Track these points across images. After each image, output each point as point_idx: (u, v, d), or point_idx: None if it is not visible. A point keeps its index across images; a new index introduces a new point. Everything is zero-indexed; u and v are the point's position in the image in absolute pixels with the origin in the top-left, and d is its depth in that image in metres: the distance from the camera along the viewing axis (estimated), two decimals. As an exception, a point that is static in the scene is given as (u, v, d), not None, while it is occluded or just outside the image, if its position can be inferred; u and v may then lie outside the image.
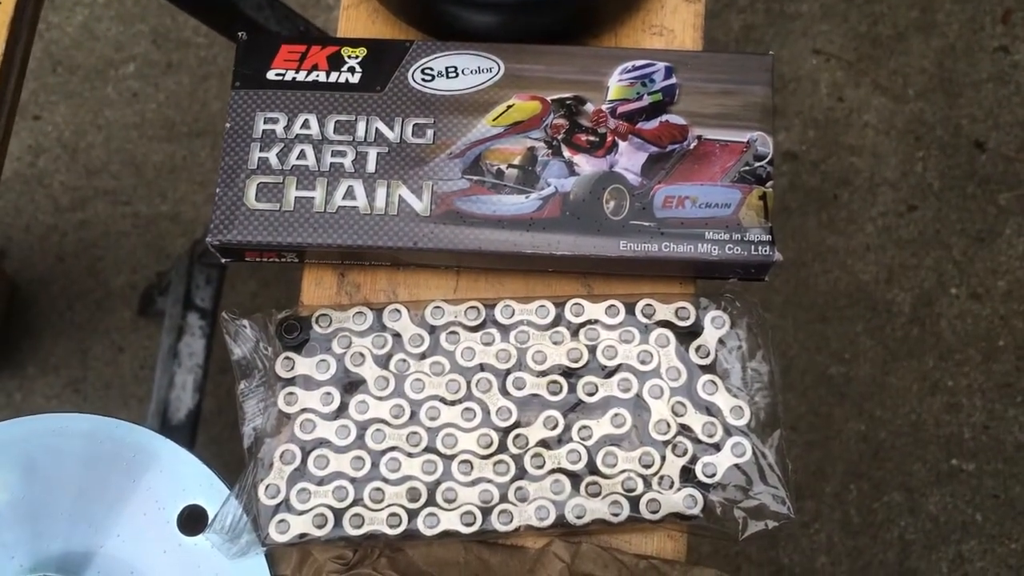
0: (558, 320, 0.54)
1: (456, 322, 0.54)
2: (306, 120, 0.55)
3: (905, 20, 1.62)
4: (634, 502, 0.51)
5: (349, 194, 0.53)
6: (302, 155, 0.54)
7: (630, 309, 0.54)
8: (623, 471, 0.51)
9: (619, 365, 0.53)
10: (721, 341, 0.53)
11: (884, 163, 1.56)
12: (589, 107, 0.55)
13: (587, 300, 0.54)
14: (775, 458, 0.52)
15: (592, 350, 0.53)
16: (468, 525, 0.51)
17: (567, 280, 0.56)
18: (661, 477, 0.51)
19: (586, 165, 0.54)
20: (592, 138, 0.55)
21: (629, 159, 0.54)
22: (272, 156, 0.54)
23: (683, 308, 0.54)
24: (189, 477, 0.54)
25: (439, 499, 0.51)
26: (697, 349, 0.53)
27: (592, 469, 0.52)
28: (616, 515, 0.51)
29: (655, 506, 0.51)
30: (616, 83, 0.55)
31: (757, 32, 1.63)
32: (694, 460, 0.52)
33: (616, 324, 0.53)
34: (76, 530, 0.53)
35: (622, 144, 0.55)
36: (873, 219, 1.54)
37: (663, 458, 0.52)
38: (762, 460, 0.52)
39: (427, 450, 0.52)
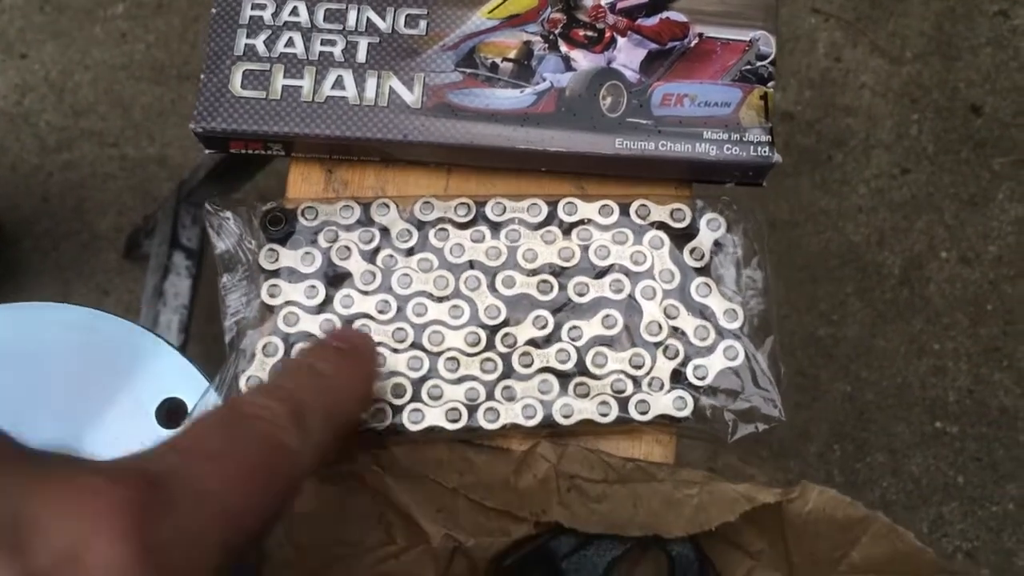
0: (550, 219, 0.53)
1: (446, 218, 0.52)
2: (295, 7, 0.53)
3: (905, -19, 1.61)
4: (623, 403, 0.50)
5: (338, 84, 0.52)
6: (290, 43, 0.53)
7: (624, 210, 0.53)
8: (612, 372, 0.51)
9: (611, 265, 0.52)
10: (717, 244, 0.52)
11: (879, 125, 1.55)
12: (588, 2, 0.54)
13: (580, 199, 0.53)
14: (767, 363, 0.51)
15: (584, 250, 0.52)
16: (453, 422, 0.50)
17: (560, 181, 0.55)
18: (652, 379, 0.50)
19: (583, 61, 0.53)
20: (590, 33, 0.53)
21: (628, 56, 0.53)
22: (259, 43, 0.53)
23: (679, 210, 0.53)
24: (170, 371, 0.53)
25: (424, 395, 0.50)
26: (691, 251, 0.52)
27: (581, 369, 0.51)
28: (604, 415, 0.50)
29: (644, 407, 0.50)
30: (616, -23, 0.54)
31: (756, -11, 1.62)
32: (685, 362, 0.51)
33: (610, 224, 0.52)
34: (59, 420, 0.52)
35: (621, 40, 0.53)
36: (866, 181, 1.54)
37: (653, 359, 0.51)
38: (754, 364, 0.51)
39: (413, 346, 0.51)
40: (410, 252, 0.52)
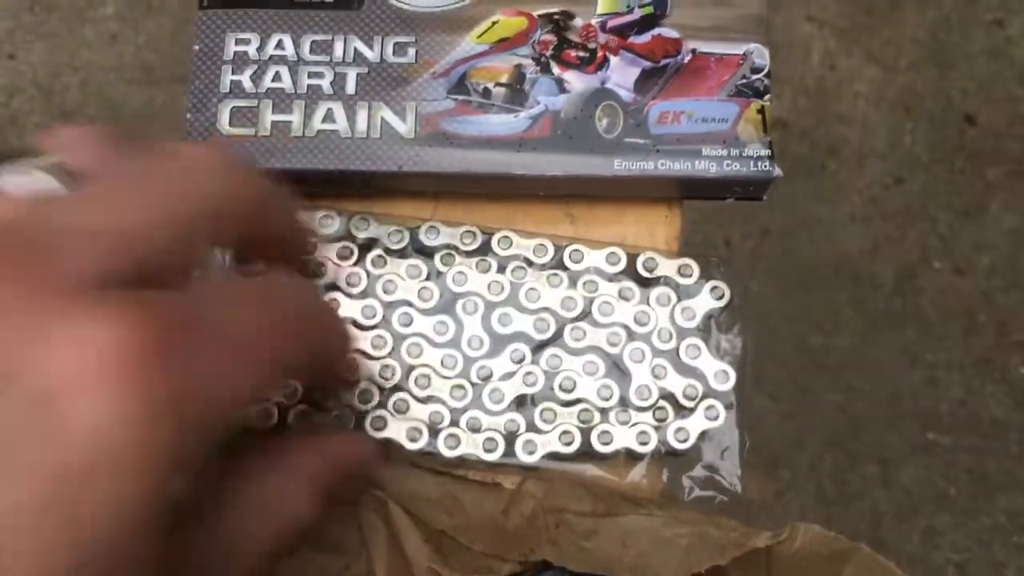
0: (557, 260, 0.52)
1: (452, 245, 0.52)
2: (280, 40, 0.52)
3: (901, -10, 1.61)
4: (587, 433, 0.50)
5: (329, 117, 0.51)
6: (277, 77, 0.51)
7: (631, 259, 0.52)
8: (580, 400, 0.50)
9: (613, 322, 0.51)
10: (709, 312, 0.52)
11: (873, 134, 1.55)
12: (578, 22, 0.53)
13: (586, 246, 0.52)
14: (736, 432, 0.51)
15: (589, 303, 0.51)
16: (413, 441, 0.49)
17: (550, 205, 0.54)
18: (618, 411, 0.50)
19: (577, 82, 0.52)
20: (582, 54, 0.52)
21: (621, 75, 0.52)
22: (245, 79, 0.51)
23: (687, 265, 0.52)
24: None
25: (390, 407, 0.50)
26: (683, 310, 0.51)
27: (548, 395, 0.50)
28: (568, 444, 0.49)
29: (607, 438, 0.49)
30: (605, -5, 0.53)
31: (751, -4, 1.61)
32: (666, 424, 0.51)
33: (616, 273, 0.51)
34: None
35: (613, 59, 0.52)
36: (860, 190, 1.53)
37: (624, 394, 0.50)
38: (721, 432, 0.50)
39: (390, 355, 0.50)
40: (402, 255, 0.52)
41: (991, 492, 1.44)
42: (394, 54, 0.52)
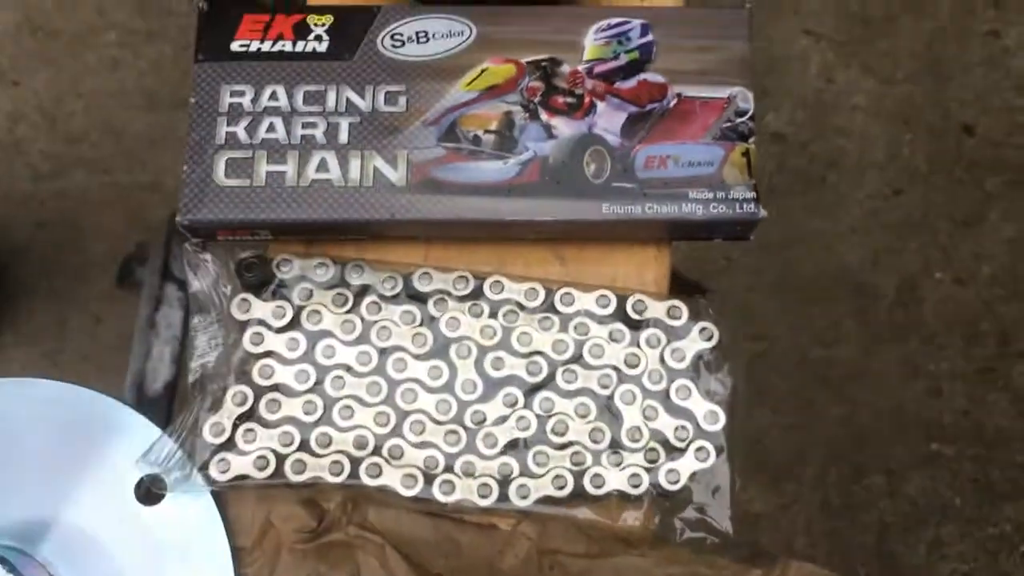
0: (547, 304, 0.53)
1: (444, 290, 0.53)
2: (274, 92, 0.53)
3: (896, 1, 1.61)
4: (579, 476, 0.50)
5: (322, 166, 0.52)
6: (271, 128, 0.53)
7: (621, 302, 0.53)
8: (572, 442, 0.51)
9: (604, 364, 0.52)
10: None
11: (872, 146, 1.55)
12: (565, 68, 0.54)
13: (577, 289, 0.53)
14: (726, 473, 0.52)
15: (580, 345, 0.52)
16: (408, 487, 0.50)
17: (540, 248, 0.55)
18: (609, 454, 0.51)
19: (564, 128, 0.53)
20: (569, 100, 0.54)
21: (608, 120, 0.53)
22: (240, 130, 0.53)
23: (675, 307, 0.53)
24: (146, 445, 0.53)
25: (385, 453, 0.50)
26: (673, 352, 0.52)
27: (541, 439, 0.51)
28: (561, 488, 0.50)
29: (599, 481, 0.50)
30: (592, 43, 0.54)
31: (748, 11, 1.62)
32: (657, 465, 0.51)
33: (606, 316, 0.52)
34: (32, 498, 0.52)
35: (600, 105, 0.53)
36: (860, 202, 1.54)
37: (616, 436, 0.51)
38: (711, 474, 0.51)
39: (385, 402, 0.51)
40: (395, 299, 0.53)
41: (996, 501, 1.44)
42: (386, 103, 0.53)
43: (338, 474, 0.50)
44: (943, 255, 1.52)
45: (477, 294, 0.53)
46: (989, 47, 1.59)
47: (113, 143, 1.55)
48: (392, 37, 0.54)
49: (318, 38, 0.54)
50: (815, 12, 1.61)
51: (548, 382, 0.52)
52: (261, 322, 0.52)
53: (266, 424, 0.51)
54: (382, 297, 0.53)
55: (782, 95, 1.57)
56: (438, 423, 0.51)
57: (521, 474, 0.51)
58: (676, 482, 0.50)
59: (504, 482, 0.51)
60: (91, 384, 0.55)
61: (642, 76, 0.54)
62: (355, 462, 0.51)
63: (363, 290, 0.53)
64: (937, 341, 1.49)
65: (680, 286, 0.56)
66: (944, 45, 1.58)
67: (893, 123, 1.56)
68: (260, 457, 0.50)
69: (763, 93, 1.58)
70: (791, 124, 1.57)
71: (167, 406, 1.25)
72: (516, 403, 0.51)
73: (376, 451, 0.51)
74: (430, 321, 0.53)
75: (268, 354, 0.51)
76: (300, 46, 0.54)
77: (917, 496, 1.45)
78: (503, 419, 0.51)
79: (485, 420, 0.51)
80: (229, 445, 0.50)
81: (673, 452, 0.51)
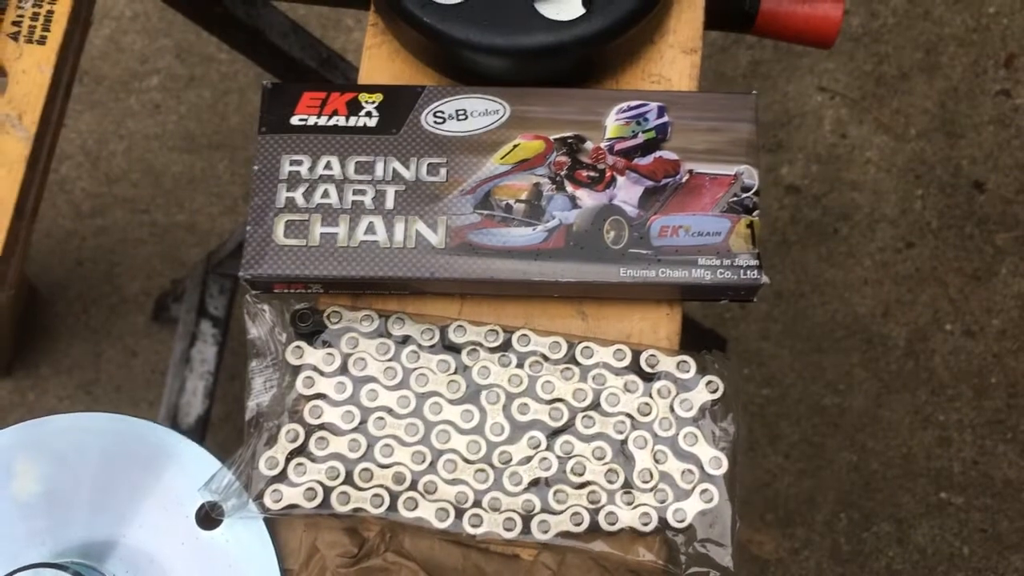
0: (569, 356, 0.58)
1: (477, 342, 0.58)
2: (328, 162, 0.59)
3: (910, 61, 1.66)
4: (594, 513, 0.55)
5: (370, 229, 0.58)
6: (326, 194, 0.59)
7: (636, 355, 0.58)
8: (589, 482, 0.56)
9: (619, 411, 0.57)
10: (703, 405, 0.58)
11: (884, 200, 1.60)
12: (589, 145, 0.60)
13: (596, 343, 0.58)
14: (728, 515, 0.56)
15: (597, 394, 0.57)
16: (441, 520, 0.55)
17: (563, 304, 0.60)
18: (623, 493, 0.56)
19: (587, 199, 0.59)
20: (592, 174, 0.59)
21: (627, 192, 0.59)
22: (298, 195, 0.59)
23: (684, 362, 0.58)
24: (207, 475, 0.58)
25: (421, 488, 0.55)
26: (682, 402, 0.57)
27: (561, 478, 0.56)
28: (578, 524, 0.55)
29: (612, 519, 0.55)
30: (613, 122, 0.60)
31: (764, 68, 1.68)
32: (666, 505, 0.56)
33: (622, 368, 0.57)
34: (98, 520, 0.56)
35: (620, 179, 0.59)
36: (871, 254, 1.58)
37: (629, 478, 0.56)
38: (715, 515, 0.56)
39: (421, 442, 0.56)
40: (432, 350, 0.58)
41: (1004, 552, 1.46)
42: (428, 174, 0.59)
43: (378, 506, 0.55)
44: (953, 308, 1.55)
45: (506, 346, 0.58)
46: (1000, 106, 1.63)
47: (152, 183, 1.61)
48: (435, 114, 0.60)
49: (368, 114, 0.60)
50: (830, 70, 1.66)
51: (568, 427, 0.57)
52: (312, 367, 0.57)
53: (315, 459, 0.56)
54: (421, 347, 0.58)
55: (796, 149, 1.62)
56: (469, 462, 0.56)
57: (543, 510, 0.55)
58: (683, 520, 0.55)
59: (527, 517, 0.55)
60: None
61: (658, 154, 0.60)
62: (394, 496, 0.56)
63: (404, 340, 0.58)
64: (947, 392, 1.52)
65: (697, 333, 0.61)
66: (956, 103, 1.63)
67: (905, 178, 1.60)
68: (309, 489, 0.55)
69: (778, 146, 1.63)
70: (805, 177, 1.62)
71: (199, 438, 1.30)
72: (539, 445, 0.56)
73: (413, 486, 0.56)
74: (463, 369, 0.58)
75: (318, 396, 0.57)
76: (352, 121, 0.60)
77: (926, 544, 1.47)
78: (527, 459, 0.56)
79: (511, 460, 0.56)
80: (281, 477, 0.56)
81: (680, 493, 0.56)
